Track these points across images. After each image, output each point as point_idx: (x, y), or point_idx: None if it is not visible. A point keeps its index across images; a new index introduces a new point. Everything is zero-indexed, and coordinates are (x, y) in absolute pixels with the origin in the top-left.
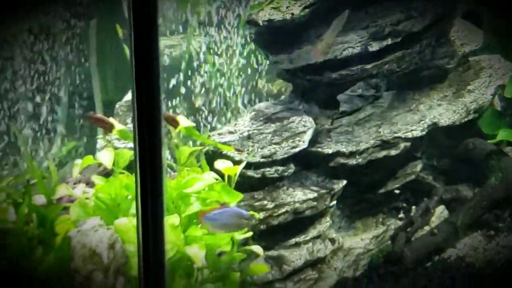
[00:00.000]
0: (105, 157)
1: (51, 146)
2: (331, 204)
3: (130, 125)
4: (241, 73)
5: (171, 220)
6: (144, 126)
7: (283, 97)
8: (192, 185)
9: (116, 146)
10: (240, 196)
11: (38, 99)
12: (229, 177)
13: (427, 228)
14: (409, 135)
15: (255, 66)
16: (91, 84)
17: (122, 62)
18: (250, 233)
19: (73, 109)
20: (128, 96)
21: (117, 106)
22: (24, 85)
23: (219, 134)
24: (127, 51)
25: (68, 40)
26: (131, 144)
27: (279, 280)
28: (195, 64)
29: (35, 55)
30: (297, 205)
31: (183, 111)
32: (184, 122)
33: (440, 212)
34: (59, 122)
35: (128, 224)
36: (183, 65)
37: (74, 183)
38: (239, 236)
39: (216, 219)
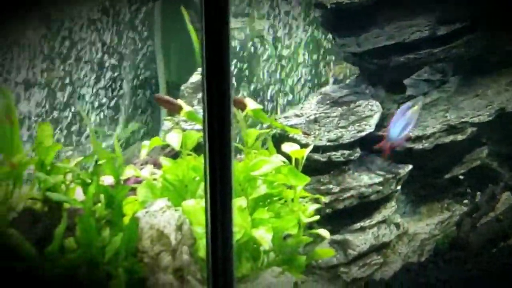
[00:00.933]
0: (173, 138)
1: (115, 128)
2: (397, 188)
3: (197, 107)
4: (307, 56)
5: (238, 203)
6: (213, 108)
7: (348, 81)
8: (259, 168)
9: (183, 128)
10: (307, 179)
11: (102, 81)
12: (296, 160)
13: (492, 214)
14: (476, 120)
15: (322, 49)
16: (155, 66)
17: (186, 44)
18: (317, 217)
19: (137, 91)
20: (194, 78)
21: (182, 88)
22: (89, 67)
23: (286, 117)
24: (192, 32)
25: (133, 21)
26: (198, 126)
27: (344, 264)
28: (259, 46)
29: (100, 37)
30: (362, 189)
31: (247, 95)
32: (252, 104)
33: (505, 199)
34: (123, 104)
35: (196, 205)
36: (247, 48)
37: (141, 164)
38: (306, 219)
39: None
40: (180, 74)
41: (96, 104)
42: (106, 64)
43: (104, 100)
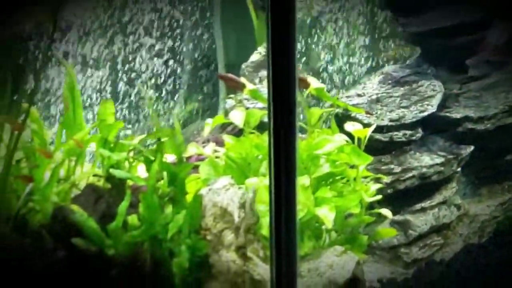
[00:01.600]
0: (236, 116)
1: (175, 106)
2: (458, 169)
3: (258, 85)
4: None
5: (301, 181)
6: (279, 86)
7: (410, 60)
8: (322, 147)
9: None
10: (370, 158)
11: (161, 59)
12: (358, 139)
13: None
14: None
15: (382, 28)
16: (214, 45)
17: (246, 22)
18: (379, 196)
19: (196, 70)
20: (254, 57)
21: (243, 66)
22: (148, 45)
23: (347, 96)
24: (252, 11)
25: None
26: (260, 104)
27: (404, 245)
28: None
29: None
30: (424, 169)
31: (308, 74)
32: (315, 83)
33: None
34: (182, 82)
35: (259, 183)
36: (306, 27)
37: (203, 142)
38: (368, 198)
39: None
40: (238, 53)
41: (155, 82)
42: (165, 42)
43: (163, 79)
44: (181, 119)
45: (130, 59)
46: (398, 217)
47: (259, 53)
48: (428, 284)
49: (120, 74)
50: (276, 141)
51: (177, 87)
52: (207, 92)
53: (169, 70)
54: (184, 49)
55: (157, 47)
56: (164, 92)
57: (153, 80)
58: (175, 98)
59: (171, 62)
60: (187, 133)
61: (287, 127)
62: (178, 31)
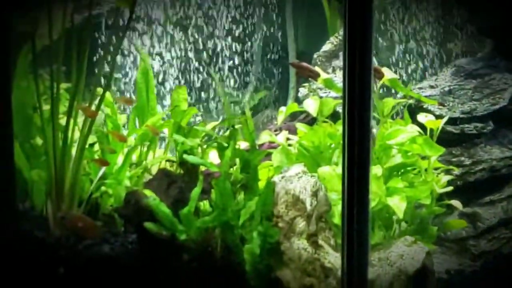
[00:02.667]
0: (310, 105)
1: (244, 95)
2: None
3: (331, 75)
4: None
5: (374, 171)
6: (354, 76)
7: (480, 54)
8: (395, 137)
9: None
10: (442, 150)
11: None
12: (430, 130)
13: None
14: None
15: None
16: (285, 34)
17: (317, 12)
18: (450, 188)
19: (266, 58)
20: (326, 47)
21: (315, 56)
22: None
23: (420, 88)
24: (324, 1)
25: None
26: (332, 94)
27: (473, 237)
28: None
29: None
30: (494, 162)
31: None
32: (389, 74)
33: None
34: (253, 71)
35: (332, 172)
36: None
37: (275, 130)
38: (439, 190)
39: None
40: (308, 42)
41: (226, 71)
42: (237, 31)
43: (233, 67)
44: (251, 108)
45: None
46: (466, 209)
47: (331, 43)
48: (496, 276)
49: (192, 62)
50: (350, 131)
51: (248, 76)
52: (276, 81)
53: (240, 59)
54: (255, 38)
55: (229, 36)
56: (235, 81)
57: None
58: (246, 87)
59: (242, 51)
60: (257, 122)
61: (361, 117)
62: (250, 20)
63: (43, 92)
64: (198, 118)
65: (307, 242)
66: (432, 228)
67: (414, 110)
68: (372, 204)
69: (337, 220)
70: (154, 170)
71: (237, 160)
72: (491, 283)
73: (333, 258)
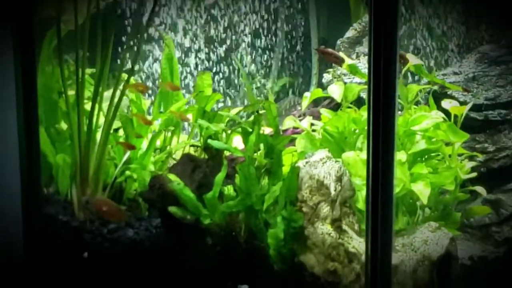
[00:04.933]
0: (335, 90)
1: (268, 80)
2: None
3: (355, 61)
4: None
5: (398, 156)
6: (379, 61)
7: (503, 40)
8: (419, 123)
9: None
10: (466, 136)
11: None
12: (455, 117)
13: None
14: None
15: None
16: (307, 21)
17: None
18: (474, 174)
19: (289, 44)
20: (350, 33)
21: (338, 42)
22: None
23: (444, 74)
24: None
25: None
26: (356, 79)
27: (496, 224)
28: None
29: None
30: None
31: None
32: (414, 60)
33: None
34: (276, 57)
35: (356, 157)
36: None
37: (299, 116)
38: (463, 176)
39: None
40: (332, 29)
41: (249, 57)
42: (260, 17)
43: (256, 53)
44: (274, 94)
45: (224, 34)
46: (490, 196)
47: (354, 29)
48: None
49: (214, 48)
50: (375, 116)
51: (271, 62)
52: (299, 67)
53: (263, 45)
54: (279, 24)
55: (252, 22)
56: (258, 66)
57: (248, 55)
58: (269, 73)
59: (265, 37)
60: (280, 107)
61: (386, 102)
62: (273, 6)
63: (68, 77)
64: (221, 104)
65: (331, 227)
66: (455, 214)
67: (438, 96)
68: (396, 189)
69: (361, 205)
70: (178, 155)
71: (261, 145)
72: None
73: (357, 243)
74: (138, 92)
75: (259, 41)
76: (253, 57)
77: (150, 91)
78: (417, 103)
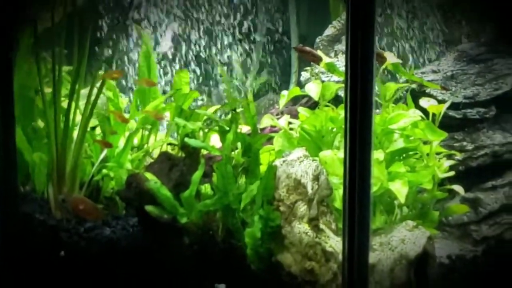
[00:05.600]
0: (312, 89)
1: (247, 78)
2: None
3: (333, 59)
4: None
5: (375, 155)
6: (356, 60)
7: (483, 38)
8: (397, 122)
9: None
10: (444, 134)
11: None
12: (433, 115)
13: None
14: None
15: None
16: (287, 18)
17: None
18: (452, 173)
19: (269, 42)
20: (329, 31)
21: (317, 40)
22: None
23: (422, 72)
24: None
25: None
26: (334, 78)
27: (474, 222)
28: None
29: None
30: (496, 148)
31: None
32: (392, 58)
33: None
34: (255, 55)
35: (333, 156)
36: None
37: (277, 114)
38: (441, 175)
39: None
40: (312, 27)
41: (227, 54)
42: (239, 14)
43: (235, 51)
44: (254, 92)
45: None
46: (468, 195)
47: (333, 27)
48: (497, 262)
49: (193, 46)
50: (352, 115)
51: (250, 60)
52: (279, 65)
53: (242, 43)
54: (258, 22)
55: (231, 20)
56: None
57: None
58: (248, 71)
59: (244, 35)
60: (259, 106)
61: (363, 101)
62: (252, 3)
63: (45, 74)
64: (200, 103)
65: (308, 226)
66: (434, 212)
67: (417, 94)
68: (374, 188)
69: (338, 204)
70: (156, 154)
71: (239, 144)
72: (493, 269)
73: (334, 242)
74: (113, 79)
75: (239, 38)
76: (233, 54)
77: (128, 89)
78: (396, 102)
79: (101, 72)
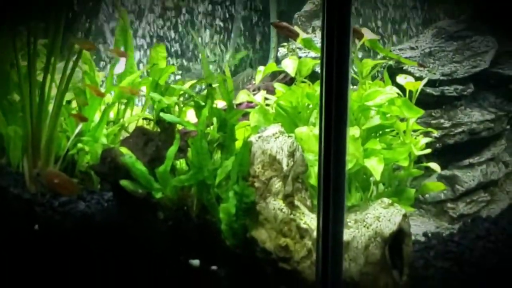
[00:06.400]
0: (289, 65)
1: (225, 54)
2: (507, 126)
3: (311, 35)
4: None
5: (351, 132)
6: (333, 36)
7: (461, 16)
8: (373, 98)
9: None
10: (421, 112)
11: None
12: (410, 92)
13: None
14: None
15: None
16: None
17: None
18: (428, 150)
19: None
20: (307, 7)
21: (296, 16)
22: None
23: (400, 49)
24: None
25: None
26: (312, 54)
27: (451, 200)
28: None
29: None
30: (474, 125)
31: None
32: (369, 34)
33: None
34: (234, 30)
35: (309, 133)
36: None
37: (254, 90)
38: (417, 152)
39: None
40: (291, 2)
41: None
42: None
43: (214, 26)
44: (231, 68)
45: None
46: (445, 172)
47: (312, 3)
48: (474, 239)
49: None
50: (328, 91)
51: (229, 34)
52: (257, 40)
53: (221, 17)
54: None
55: None
56: (215, 39)
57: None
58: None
59: (223, 9)
60: (237, 81)
61: (339, 77)
62: None
63: (20, 48)
64: (178, 77)
65: (283, 202)
66: (410, 190)
67: (394, 71)
68: (349, 165)
69: (313, 181)
70: (131, 128)
71: (214, 119)
72: (469, 246)
73: (309, 219)
74: (85, 49)
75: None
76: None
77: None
78: (373, 78)
79: (77, 46)
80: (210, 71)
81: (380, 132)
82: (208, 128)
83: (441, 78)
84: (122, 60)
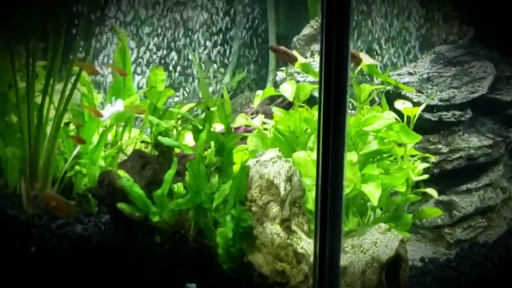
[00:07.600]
0: (287, 89)
1: (223, 77)
2: (505, 152)
3: (309, 59)
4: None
5: (349, 157)
6: (331, 61)
7: (463, 41)
8: (371, 124)
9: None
10: (419, 137)
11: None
12: (407, 117)
13: None
14: None
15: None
16: (265, 17)
17: None
18: (426, 176)
19: (246, 41)
20: (306, 30)
21: (294, 39)
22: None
23: (398, 74)
24: None
25: None
26: (310, 78)
27: (448, 225)
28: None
29: None
30: (471, 151)
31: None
32: (367, 59)
33: None
34: (233, 53)
35: (307, 157)
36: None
37: (252, 114)
38: (415, 177)
39: None
40: (290, 26)
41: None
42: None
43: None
44: (230, 90)
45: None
46: (443, 197)
47: (311, 27)
48: (471, 265)
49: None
50: (326, 116)
51: (227, 58)
52: (256, 64)
53: (220, 41)
54: (236, 20)
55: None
56: (214, 62)
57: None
58: (225, 69)
59: (222, 33)
60: (235, 104)
61: (337, 102)
62: (230, 2)
63: (19, 69)
64: (176, 99)
65: (280, 227)
66: (407, 215)
67: (392, 96)
68: (347, 190)
69: (311, 205)
70: (129, 151)
71: (212, 143)
72: (466, 272)
73: (306, 244)
74: (89, 74)
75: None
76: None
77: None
78: (372, 103)
79: (75, 68)
80: (209, 94)
81: (378, 157)
82: (206, 152)
83: (439, 103)
84: (119, 103)
